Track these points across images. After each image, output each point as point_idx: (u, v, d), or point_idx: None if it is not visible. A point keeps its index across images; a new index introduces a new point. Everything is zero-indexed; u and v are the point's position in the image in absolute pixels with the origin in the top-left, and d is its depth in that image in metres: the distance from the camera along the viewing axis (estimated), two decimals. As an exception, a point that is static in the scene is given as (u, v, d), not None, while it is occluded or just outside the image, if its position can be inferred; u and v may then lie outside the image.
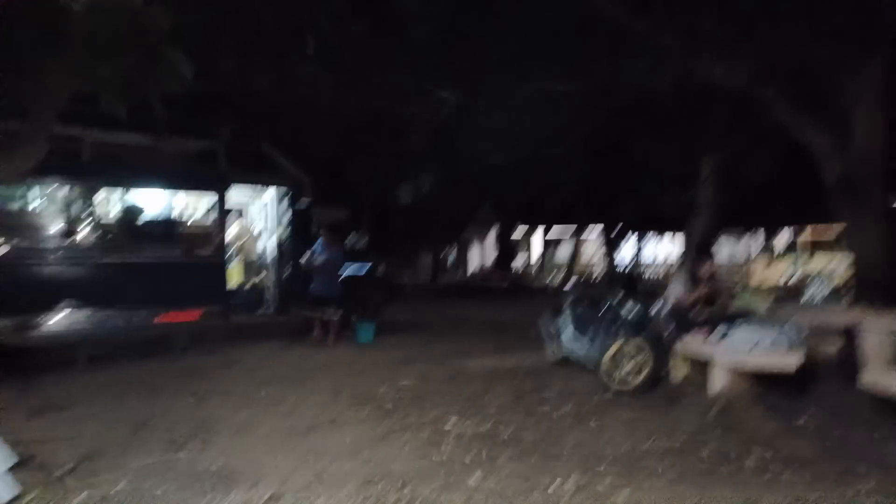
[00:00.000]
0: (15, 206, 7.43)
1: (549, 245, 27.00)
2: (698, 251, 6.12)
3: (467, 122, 7.60)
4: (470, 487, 3.44)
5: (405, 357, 7.49)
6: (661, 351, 5.78)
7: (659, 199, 12.33)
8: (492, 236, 33.70)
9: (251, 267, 9.53)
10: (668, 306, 5.82)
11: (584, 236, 23.27)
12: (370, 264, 10.08)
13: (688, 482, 3.54)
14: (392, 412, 4.99)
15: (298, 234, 9.19)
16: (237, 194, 9.48)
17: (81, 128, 7.30)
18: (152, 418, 4.93)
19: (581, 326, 6.26)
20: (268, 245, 9.47)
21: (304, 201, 9.41)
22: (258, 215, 9.82)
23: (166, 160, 8.05)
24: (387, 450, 4.07)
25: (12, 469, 3.63)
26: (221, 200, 8.31)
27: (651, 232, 24.30)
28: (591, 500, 3.29)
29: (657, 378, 5.69)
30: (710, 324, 5.26)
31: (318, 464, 3.81)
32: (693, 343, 5.34)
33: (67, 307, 7.19)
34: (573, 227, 24.60)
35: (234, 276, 9.18)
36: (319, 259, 8.61)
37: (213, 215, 8.33)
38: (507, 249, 22.26)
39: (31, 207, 7.76)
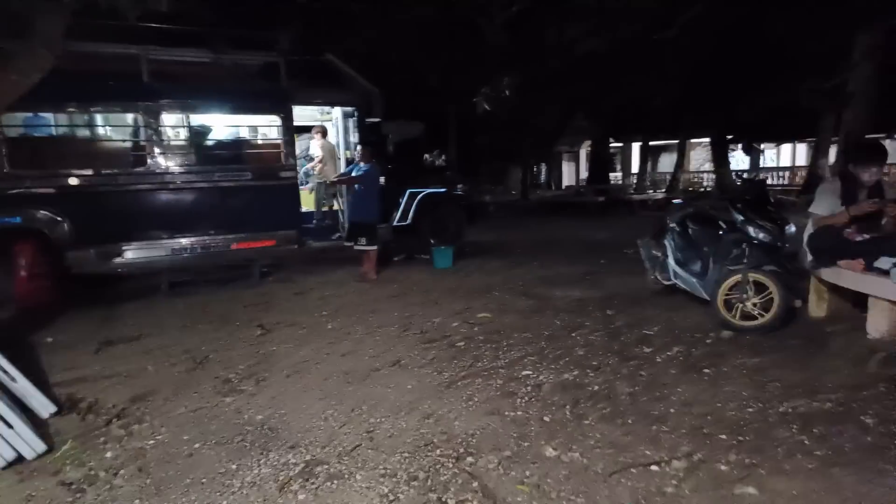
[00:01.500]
0: (84, 133, 7.34)
1: (649, 155, 24.58)
2: (852, 155, 4.71)
3: (554, 2, 6.24)
4: (547, 459, 2.75)
5: (484, 285, 6.82)
6: (797, 280, 4.65)
7: (790, 92, 10.24)
8: (586, 149, 31.61)
9: (326, 190, 9.09)
10: (811, 225, 4.58)
11: (690, 143, 20.73)
12: (447, 182, 9.28)
13: (850, 465, 2.62)
14: (463, 352, 4.37)
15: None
16: (305, 111, 8.91)
17: (138, 47, 6.94)
18: (215, 352, 4.68)
19: (692, 249, 5.18)
20: (340, 166, 8.93)
21: (375, 117, 8.66)
22: (330, 134, 9.25)
23: (226, 77, 7.56)
24: (451, 401, 3.46)
25: (56, 415, 3.47)
26: (286, 118, 7.76)
27: (774, 138, 21.30)
28: (712, 488, 2.49)
29: (790, 313, 4.60)
30: (873, 247, 4.02)
31: (372, 418, 3.28)
32: (846, 272, 4.15)
33: (146, 234, 7.17)
34: (675, 137, 22.17)
35: (308, 200, 8.82)
36: (345, 178, 7.56)
37: (282, 135, 7.83)
38: (603, 162, 20.42)
39: (100, 134, 7.67)
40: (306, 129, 9.34)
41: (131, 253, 7.15)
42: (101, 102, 7.03)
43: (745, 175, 7.07)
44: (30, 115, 6.84)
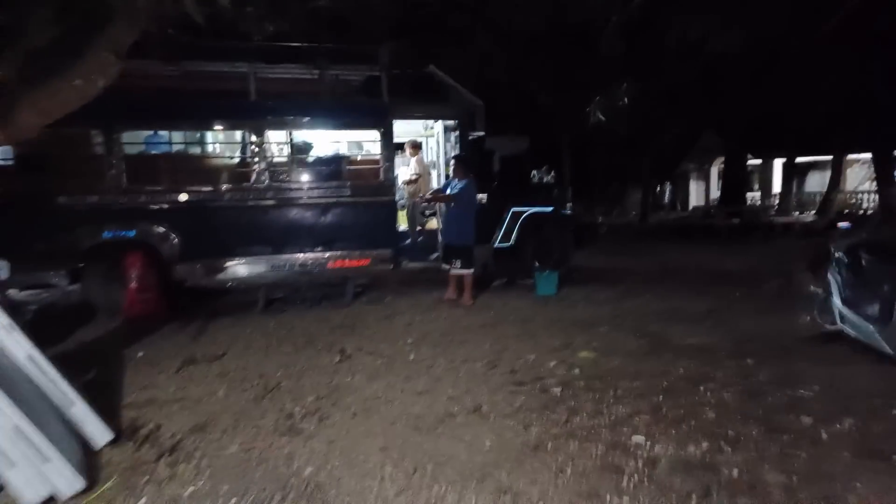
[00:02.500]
0: (194, 150, 7.60)
1: (795, 173, 21.63)
2: None
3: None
4: (662, 585, 1.97)
5: (591, 317, 5.98)
6: None
7: None
8: (718, 166, 28.91)
9: (417, 208, 8.71)
10: None
11: (846, 160, 17.89)
12: (554, 201, 8.49)
13: None
14: (557, 402, 3.63)
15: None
16: (408, 127, 8.67)
17: (246, 65, 7.06)
18: (288, 378, 4.37)
19: (867, 286, 4.02)
20: (434, 183, 8.53)
21: (479, 131, 8.18)
22: (430, 150, 8.94)
23: (329, 93, 7.48)
24: (536, 471, 2.76)
25: (112, 442, 3.26)
26: (387, 134, 7.52)
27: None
28: None
29: None
30: None
31: (435, 484, 2.67)
32: None
33: (248, 250, 7.21)
34: (826, 153, 19.37)
35: (406, 218, 8.50)
36: (439, 196, 7.06)
37: (382, 151, 7.58)
38: (738, 181, 18.27)
39: (208, 151, 7.92)
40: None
41: (234, 268, 7.22)
42: (212, 121, 7.23)
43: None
44: (147, 132, 7.18)
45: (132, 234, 6.82)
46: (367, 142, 8.05)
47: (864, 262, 4.10)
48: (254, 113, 7.12)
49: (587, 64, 8.88)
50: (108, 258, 6.74)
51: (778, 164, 25.54)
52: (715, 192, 29.40)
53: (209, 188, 7.06)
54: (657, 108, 10.91)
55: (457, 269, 6.93)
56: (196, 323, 6.33)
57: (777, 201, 21.89)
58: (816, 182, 25.99)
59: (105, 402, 3.81)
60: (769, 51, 7.32)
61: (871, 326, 3.89)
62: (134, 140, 7.06)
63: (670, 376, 4.02)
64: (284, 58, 7.25)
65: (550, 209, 8.33)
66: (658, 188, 31.31)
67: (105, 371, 4.65)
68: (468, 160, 7.16)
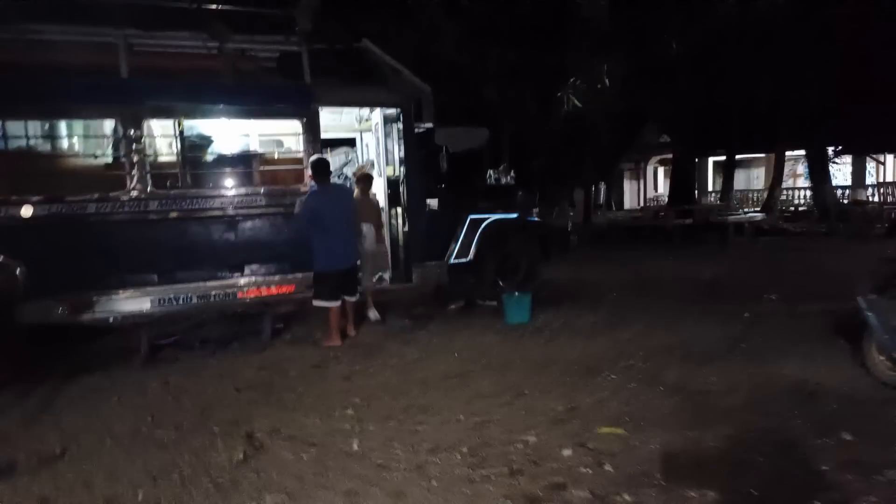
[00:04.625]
0: (43, 148, 5.67)
1: (725, 170, 21.49)
2: None
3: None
4: None
5: (586, 357, 4.61)
6: None
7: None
8: (653, 165, 28.93)
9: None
10: None
11: (784, 157, 17.75)
12: (519, 206, 7.07)
13: None
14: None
15: (419, 170, 6.53)
16: (332, 116, 7.05)
17: (115, 31, 5.25)
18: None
19: None
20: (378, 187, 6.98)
21: (426, 122, 6.67)
22: (366, 147, 7.37)
23: (230, 71, 5.76)
24: None
25: None
26: (311, 125, 5.89)
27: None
28: None
29: None
30: None
31: None
32: None
33: (125, 280, 5.40)
34: (765, 150, 19.45)
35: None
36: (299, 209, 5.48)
37: (305, 147, 5.93)
38: (687, 179, 17.74)
39: (64, 148, 5.97)
40: (338, 143, 7.52)
41: (108, 303, 5.38)
42: (66, 107, 5.34)
43: None
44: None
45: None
46: (285, 135, 6.36)
47: None
48: (127, 95, 5.31)
49: (561, 35, 7.56)
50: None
51: (711, 163, 25.76)
52: (651, 191, 29.48)
53: (66, 198, 5.17)
54: (637, 89, 9.83)
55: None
56: (44, 386, 4.49)
57: (712, 199, 21.88)
58: (742, 180, 26.46)
59: None
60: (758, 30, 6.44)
61: None
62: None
63: (753, 470, 2.67)
64: (168, 23, 5.49)
65: (515, 216, 6.93)
66: (593, 188, 31.02)
67: None
68: (318, 164, 5.51)
